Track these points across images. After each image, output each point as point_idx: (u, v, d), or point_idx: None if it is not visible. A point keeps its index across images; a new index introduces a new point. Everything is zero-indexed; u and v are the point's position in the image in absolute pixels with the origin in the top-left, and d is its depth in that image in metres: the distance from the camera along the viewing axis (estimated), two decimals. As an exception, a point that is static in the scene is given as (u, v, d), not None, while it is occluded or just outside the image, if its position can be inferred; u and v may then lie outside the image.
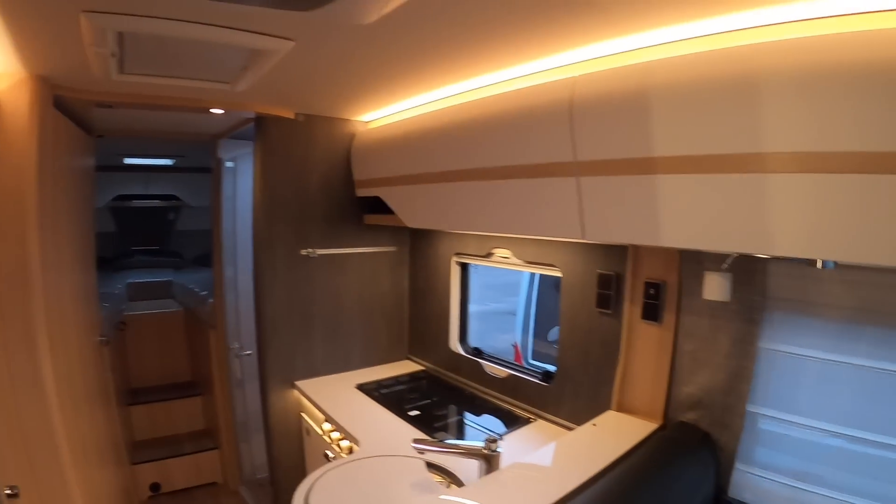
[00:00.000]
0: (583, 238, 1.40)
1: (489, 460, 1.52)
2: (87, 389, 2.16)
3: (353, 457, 1.80)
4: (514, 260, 2.17)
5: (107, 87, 1.87)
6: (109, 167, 4.42)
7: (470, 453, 1.55)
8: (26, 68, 1.57)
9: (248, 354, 3.21)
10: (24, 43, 1.36)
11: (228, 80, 1.77)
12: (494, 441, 1.52)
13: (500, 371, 2.27)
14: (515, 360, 2.53)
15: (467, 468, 1.63)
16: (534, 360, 2.63)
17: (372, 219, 2.56)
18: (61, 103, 1.87)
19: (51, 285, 1.70)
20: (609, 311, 1.78)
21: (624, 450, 1.47)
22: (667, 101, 1.15)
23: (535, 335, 4.05)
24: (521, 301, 4.18)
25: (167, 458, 3.59)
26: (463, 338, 2.59)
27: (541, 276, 3.98)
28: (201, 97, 2.04)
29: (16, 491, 1.42)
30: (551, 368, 2.12)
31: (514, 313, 4.20)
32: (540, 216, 1.52)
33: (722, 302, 1.44)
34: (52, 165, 1.76)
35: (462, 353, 2.53)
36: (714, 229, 1.14)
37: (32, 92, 1.61)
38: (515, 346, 3.90)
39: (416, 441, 1.57)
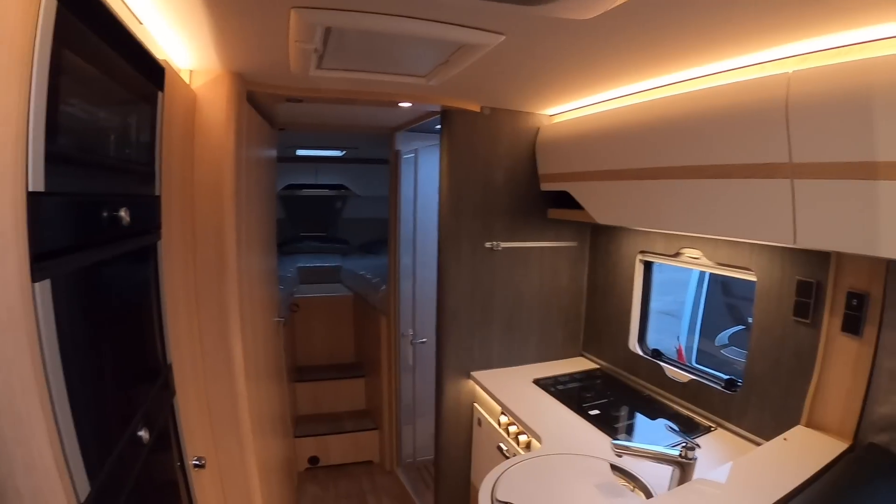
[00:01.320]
0: (793, 243, 1.31)
1: (684, 468, 1.49)
2: (266, 366, 2.31)
3: (536, 453, 1.83)
4: (705, 261, 2.06)
5: (299, 83, 1.94)
6: (282, 158, 4.76)
7: (665, 459, 1.52)
8: (223, 65, 1.67)
9: (423, 342, 3.30)
10: (226, 41, 1.43)
11: (424, 73, 1.78)
12: (692, 449, 1.48)
13: (682, 375, 2.17)
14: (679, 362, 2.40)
15: (650, 472, 1.62)
16: (698, 363, 2.46)
17: (556, 213, 2.54)
18: (251, 97, 1.98)
19: (242, 268, 1.81)
20: (807, 321, 1.66)
21: (813, 471, 1.37)
22: (892, 101, 1.06)
23: (701, 337, 3.87)
24: (688, 301, 3.99)
25: (327, 434, 3.82)
26: (642, 338, 2.50)
27: (710, 276, 3.72)
28: (392, 91, 2.08)
29: (202, 462, 1.51)
30: (724, 375, 2.04)
31: (669, 313, 3.97)
32: (745, 218, 1.45)
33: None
34: (245, 157, 1.87)
35: (641, 353, 2.44)
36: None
37: (229, 88, 1.71)
38: (679, 349, 3.67)
39: (617, 445, 1.55)
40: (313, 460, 3.77)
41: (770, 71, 1.37)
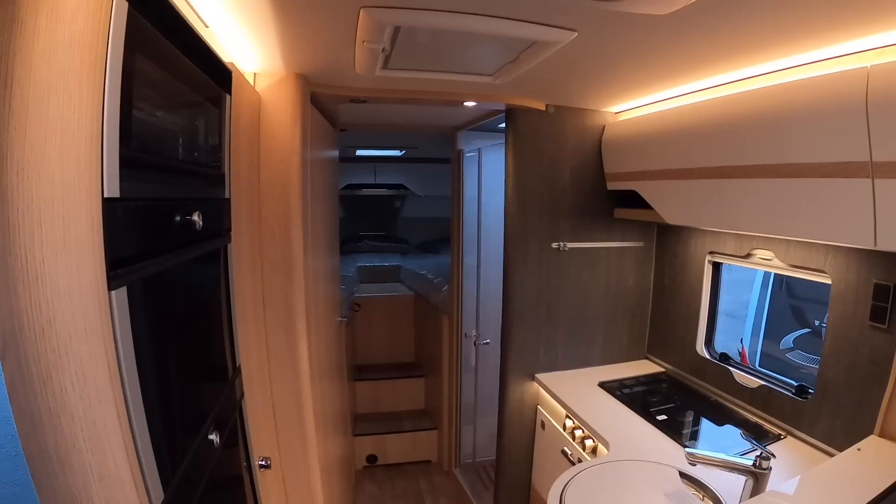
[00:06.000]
0: (874, 246, 1.27)
1: (758, 478, 1.45)
2: (329, 365, 2.33)
3: (605, 458, 1.81)
4: (777, 263, 1.98)
5: (364, 83, 1.94)
6: (342, 158, 4.78)
7: (739, 469, 1.48)
8: (288, 67, 1.68)
9: (487, 343, 3.26)
10: (292, 42, 1.43)
11: (491, 72, 1.75)
12: (767, 458, 1.44)
13: (751, 380, 2.10)
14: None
15: (720, 480, 1.59)
16: (761, 367, 2.35)
17: (622, 213, 2.49)
18: (314, 99, 1.99)
19: (308, 269, 1.81)
20: (883, 326, 1.59)
21: (888, 483, 1.30)
22: None
23: (765, 340, 3.78)
24: (752, 302, 3.86)
25: (386, 433, 3.84)
26: (709, 342, 2.42)
27: (775, 276, 3.56)
28: (457, 90, 2.06)
29: (268, 462, 1.52)
30: (793, 381, 1.98)
31: (729, 314, 3.83)
32: (822, 219, 1.41)
33: None
34: (310, 158, 1.88)
35: (708, 357, 2.37)
36: None
37: (294, 90, 1.72)
38: (742, 352, 3.52)
39: (690, 454, 1.51)
40: (371, 459, 3.80)
41: (847, 65, 1.32)
